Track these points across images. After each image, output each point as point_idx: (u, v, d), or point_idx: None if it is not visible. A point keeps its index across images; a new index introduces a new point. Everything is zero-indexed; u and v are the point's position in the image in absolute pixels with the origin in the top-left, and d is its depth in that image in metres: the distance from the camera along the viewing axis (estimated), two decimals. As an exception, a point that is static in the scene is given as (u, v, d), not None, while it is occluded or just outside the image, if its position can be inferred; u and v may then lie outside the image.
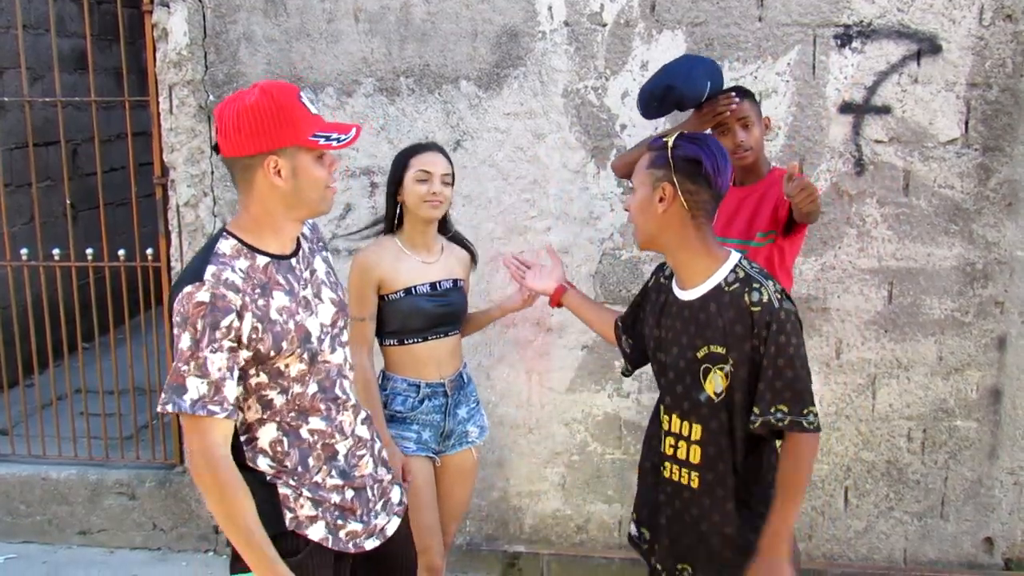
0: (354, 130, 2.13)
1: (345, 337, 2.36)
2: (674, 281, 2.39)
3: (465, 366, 3.22)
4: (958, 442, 3.80)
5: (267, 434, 2.19)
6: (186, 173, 3.98)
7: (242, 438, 2.18)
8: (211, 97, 3.90)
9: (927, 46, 3.54)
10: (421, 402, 3.07)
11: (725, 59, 3.61)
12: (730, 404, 2.25)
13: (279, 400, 2.18)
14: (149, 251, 4.23)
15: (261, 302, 2.10)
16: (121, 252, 4.32)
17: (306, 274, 2.24)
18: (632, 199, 2.35)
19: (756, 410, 2.22)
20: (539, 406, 3.93)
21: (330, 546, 2.24)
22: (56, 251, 4.40)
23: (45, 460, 4.45)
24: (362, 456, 2.33)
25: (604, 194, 3.76)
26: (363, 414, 2.38)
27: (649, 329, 2.46)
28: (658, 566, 2.45)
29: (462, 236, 3.25)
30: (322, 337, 2.22)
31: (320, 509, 2.23)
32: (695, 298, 2.30)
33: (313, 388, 2.21)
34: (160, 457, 4.40)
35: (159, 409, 2.05)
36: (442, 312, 3.05)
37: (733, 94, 3.04)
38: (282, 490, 2.20)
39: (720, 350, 2.24)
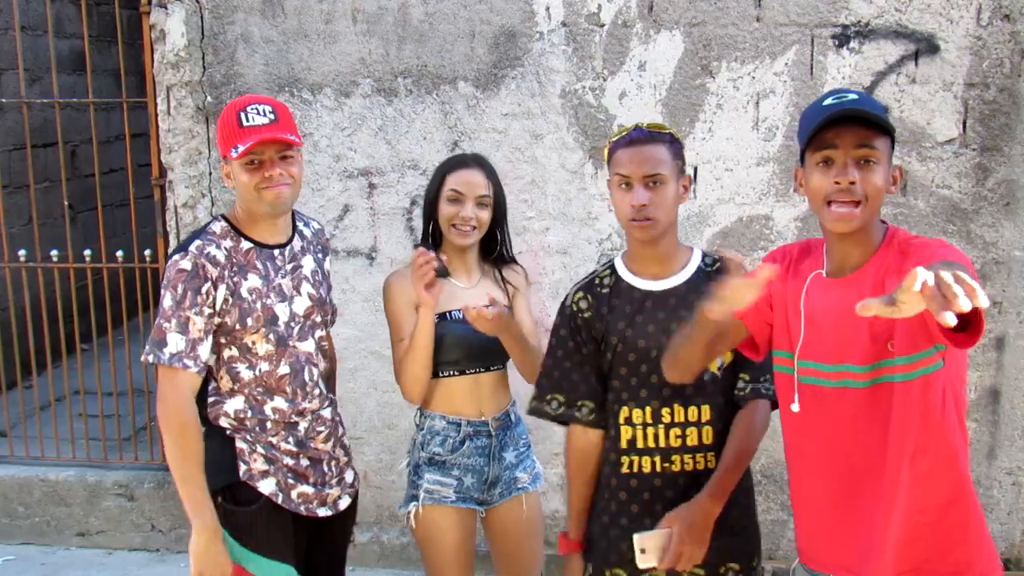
0: (252, 140, 2.34)
1: (320, 332, 2.58)
2: (633, 277, 2.35)
3: (514, 404, 2.86)
4: (957, 442, 3.80)
5: (234, 404, 2.47)
6: (184, 174, 3.98)
7: (210, 399, 2.48)
8: (208, 98, 3.90)
9: (925, 46, 3.54)
10: (462, 443, 2.73)
11: (723, 59, 3.62)
12: (728, 376, 2.32)
13: (247, 375, 2.45)
14: (147, 252, 4.23)
15: (235, 279, 2.40)
16: (119, 253, 4.33)
17: (287, 266, 2.50)
18: (660, 196, 2.22)
19: (746, 377, 2.31)
20: (537, 407, 3.92)
21: (280, 503, 2.48)
22: (54, 252, 4.41)
23: (44, 461, 4.45)
24: (321, 432, 2.57)
25: (602, 194, 3.76)
26: (329, 401, 2.62)
27: (611, 338, 2.33)
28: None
29: (508, 258, 2.88)
30: (291, 324, 2.48)
31: (272, 467, 2.48)
32: (681, 283, 2.32)
33: (284, 370, 2.47)
34: (159, 458, 4.39)
35: (142, 359, 2.37)
36: (480, 342, 2.67)
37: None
38: (239, 444, 2.47)
39: None
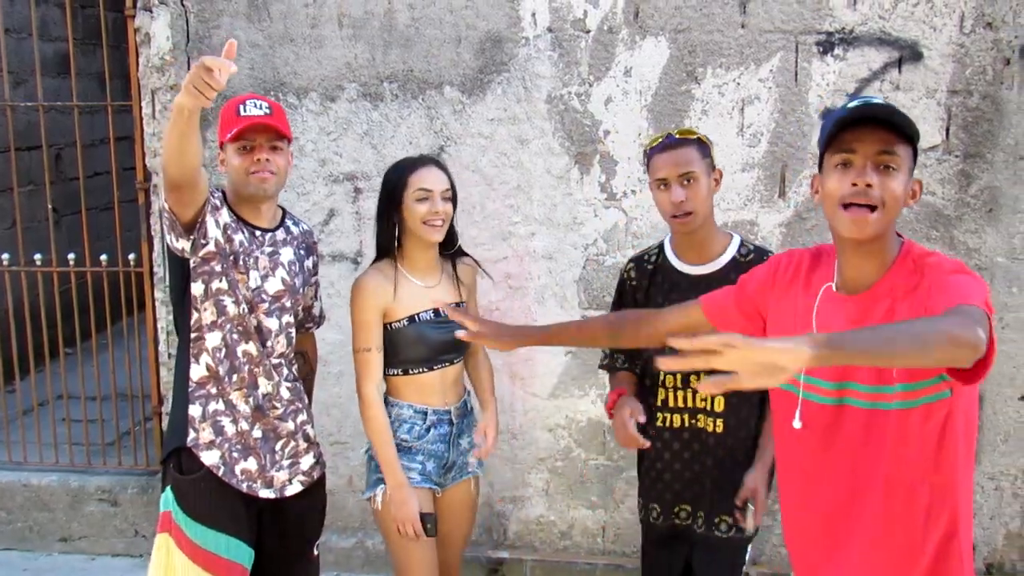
0: (245, 124, 2.55)
1: (288, 317, 2.70)
2: (675, 259, 2.69)
3: (469, 394, 3.07)
4: (940, 447, 3.81)
5: (213, 340, 2.60)
6: (169, 178, 3.96)
7: (193, 334, 2.59)
8: (194, 102, 3.89)
9: (908, 53, 3.56)
10: (427, 430, 2.91)
11: (708, 65, 3.63)
12: None
13: (232, 309, 2.58)
14: (132, 256, 4.21)
15: (233, 225, 2.61)
16: (103, 257, 4.31)
17: (265, 248, 2.67)
18: (694, 191, 2.55)
19: None
20: (522, 412, 3.92)
21: (221, 476, 2.60)
22: (38, 256, 4.38)
23: (26, 466, 4.42)
24: (277, 408, 2.68)
25: (588, 200, 3.76)
26: (289, 383, 2.73)
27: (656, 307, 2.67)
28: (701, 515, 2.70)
29: (463, 251, 3.06)
30: (259, 294, 2.62)
31: (220, 438, 2.61)
32: (713, 271, 2.62)
33: (254, 322, 2.62)
34: (142, 463, 4.38)
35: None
36: (447, 339, 2.84)
37: None
38: (191, 412, 2.60)
39: None
